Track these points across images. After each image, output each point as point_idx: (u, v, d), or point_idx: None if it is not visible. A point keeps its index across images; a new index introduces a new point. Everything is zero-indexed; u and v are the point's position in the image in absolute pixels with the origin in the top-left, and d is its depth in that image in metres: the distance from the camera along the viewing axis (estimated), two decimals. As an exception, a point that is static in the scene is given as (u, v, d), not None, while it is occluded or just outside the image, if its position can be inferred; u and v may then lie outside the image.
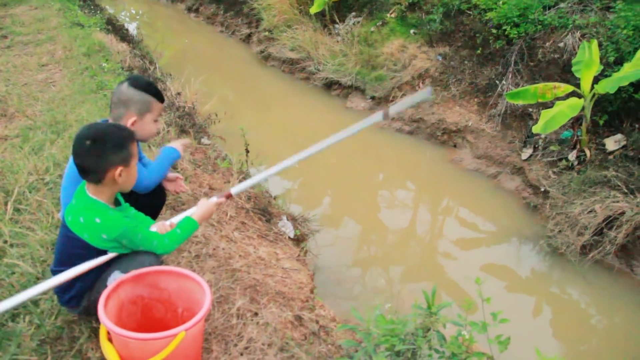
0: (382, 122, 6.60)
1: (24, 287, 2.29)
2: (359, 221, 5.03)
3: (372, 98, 7.07)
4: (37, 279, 2.35)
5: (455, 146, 5.97)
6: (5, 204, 2.95)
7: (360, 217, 5.08)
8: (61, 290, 1.98)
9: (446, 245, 4.70)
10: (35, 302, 2.23)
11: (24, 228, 2.73)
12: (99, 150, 1.81)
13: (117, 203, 2.00)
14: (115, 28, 9.12)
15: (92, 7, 13.23)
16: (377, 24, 7.72)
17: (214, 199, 2.23)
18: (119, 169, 1.84)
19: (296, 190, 5.46)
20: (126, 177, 1.90)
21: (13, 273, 2.40)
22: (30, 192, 3.08)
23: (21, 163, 3.43)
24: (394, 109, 2.35)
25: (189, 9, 14.75)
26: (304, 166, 6.10)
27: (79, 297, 1.98)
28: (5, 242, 2.63)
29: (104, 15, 10.34)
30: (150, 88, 2.28)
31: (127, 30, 10.47)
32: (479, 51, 6.23)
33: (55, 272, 1.91)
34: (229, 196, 2.31)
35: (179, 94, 5.53)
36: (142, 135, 2.30)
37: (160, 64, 8.02)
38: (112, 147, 1.83)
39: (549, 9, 5.88)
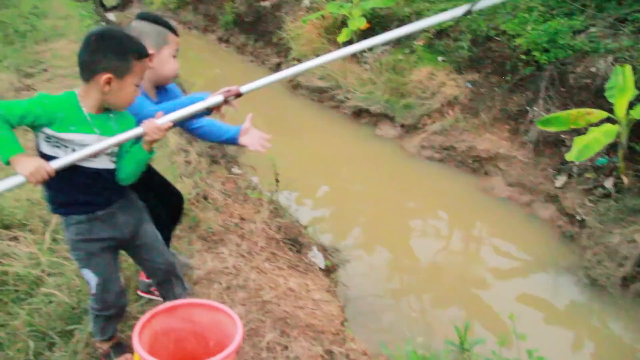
0: (413, 149, 6.59)
1: (60, 316, 2.33)
2: (390, 250, 4.98)
3: (402, 126, 7.06)
4: (73, 309, 2.39)
5: (486, 174, 5.89)
6: (44, 233, 3.02)
7: (391, 246, 5.03)
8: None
9: (479, 275, 4.61)
10: (69, 331, 2.26)
11: (61, 258, 2.78)
12: (97, 47, 1.74)
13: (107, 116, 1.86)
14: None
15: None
16: (405, 51, 7.76)
17: (219, 97, 1.97)
18: (108, 75, 1.73)
19: (326, 220, 5.45)
20: (115, 90, 1.77)
21: (50, 302, 2.44)
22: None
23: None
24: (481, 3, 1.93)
25: (220, 40, 15.09)
26: (334, 195, 6.11)
27: None
28: (43, 271, 2.68)
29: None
30: (163, 20, 2.15)
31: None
32: (508, 77, 6.18)
33: None
34: (239, 94, 2.03)
35: (210, 124, 5.62)
36: (162, 72, 2.16)
37: (193, 90, 8.20)
38: (112, 50, 1.74)
39: (580, 33, 5.83)
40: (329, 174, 6.66)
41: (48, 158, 1.75)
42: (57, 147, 1.77)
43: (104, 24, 16.29)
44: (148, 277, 2.38)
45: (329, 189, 6.28)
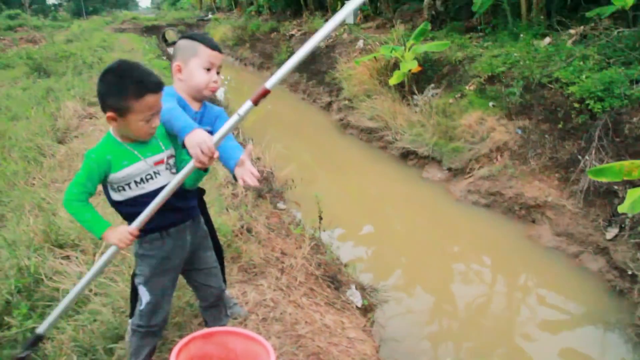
0: (459, 193, 6.56)
1: (104, 334, 2.44)
2: (430, 294, 4.93)
3: (449, 169, 7.05)
4: (116, 329, 2.49)
5: (533, 222, 5.78)
6: (94, 254, 3.18)
7: (432, 290, 4.98)
8: None
9: (522, 326, 4.48)
10: (110, 349, 2.36)
11: (107, 279, 2.92)
12: (101, 87, 1.81)
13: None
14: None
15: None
16: (456, 96, 7.80)
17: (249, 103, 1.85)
18: (110, 114, 1.80)
19: (367, 259, 5.46)
20: (123, 126, 1.84)
21: (95, 320, 2.56)
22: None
23: (110, 218, 3.69)
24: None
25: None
26: (377, 234, 6.12)
27: None
28: (90, 290, 2.82)
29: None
30: (198, 37, 2.15)
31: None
32: (560, 125, 6.11)
33: None
34: (266, 92, 1.88)
35: (258, 158, 5.79)
36: (191, 83, 2.13)
37: (245, 125, 8.47)
38: (111, 91, 1.79)
39: (637, 83, 5.73)
40: (373, 213, 6.69)
41: (120, 204, 1.96)
42: (123, 189, 1.94)
43: (164, 57, 17.12)
44: (198, 298, 2.44)
45: (372, 228, 6.30)
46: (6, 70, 12.78)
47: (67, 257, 3.15)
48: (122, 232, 1.87)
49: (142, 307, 2.09)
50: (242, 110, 1.84)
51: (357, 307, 3.56)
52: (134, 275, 2.15)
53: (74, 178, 1.88)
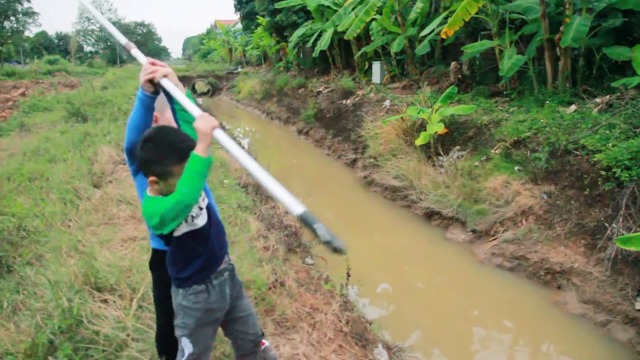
0: (483, 255, 6.56)
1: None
2: (453, 356, 4.89)
3: (473, 231, 7.08)
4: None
5: (559, 288, 5.74)
6: (131, 300, 3.27)
7: (453, 353, 4.94)
8: None
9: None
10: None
11: (145, 325, 3.00)
12: (143, 153, 1.90)
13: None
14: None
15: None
16: (481, 158, 7.91)
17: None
18: (152, 178, 1.89)
19: (390, 318, 5.45)
20: (163, 188, 1.92)
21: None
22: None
23: (147, 264, 3.80)
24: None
25: (300, 132, 15.90)
26: (398, 293, 6.12)
27: None
28: (128, 335, 2.89)
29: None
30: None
31: (244, 147, 11.44)
32: (586, 192, 6.15)
33: None
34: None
35: (287, 212, 5.91)
36: None
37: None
38: (153, 158, 1.89)
39: (664, 154, 5.79)
40: (396, 272, 6.71)
41: (183, 239, 2.05)
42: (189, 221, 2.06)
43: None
44: (235, 347, 2.48)
45: (394, 287, 6.30)
46: (45, 113, 13.29)
47: (105, 301, 3.24)
48: (208, 119, 1.87)
49: (184, 359, 2.15)
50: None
51: (383, 366, 3.57)
52: (174, 327, 2.19)
53: (165, 201, 1.92)
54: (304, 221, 1.76)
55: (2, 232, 4.47)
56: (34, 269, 3.80)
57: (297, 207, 1.75)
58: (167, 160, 1.89)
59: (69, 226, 5.03)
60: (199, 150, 1.84)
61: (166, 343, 2.45)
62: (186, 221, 2.02)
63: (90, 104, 12.69)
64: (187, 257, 2.08)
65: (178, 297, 2.14)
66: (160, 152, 1.89)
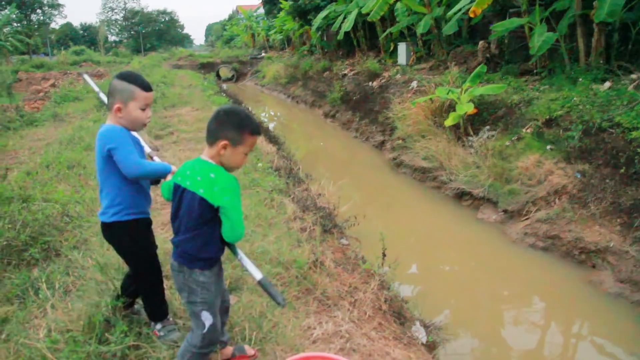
0: (515, 235, 6.54)
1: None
2: (487, 337, 4.91)
3: (505, 211, 7.05)
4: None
5: (594, 267, 5.71)
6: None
7: (486, 332, 4.95)
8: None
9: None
10: None
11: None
12: (223, 120, 2.18)
13: None
14: (264, 130, 10.13)
15: (242, 110, 14.83)
16: (512, 138, 7.84)
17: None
18: (226, 142, 2.15)
19: (424, 296, 5.49)
20: (229, 154, 2.18)
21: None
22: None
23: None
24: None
25: (326, 115, 15.91)
26: (429, 274, 6.16)
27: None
28: (175, 314, 3.00)
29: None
30: (133, 78, 2.46)
31: (273, 131, 11.54)
32: (622, 170, 6.07)
33: (174, 242, 2.29)
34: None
35: (319, 194, 5.98)
36: (129, 121, 2.46)
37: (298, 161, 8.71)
38: (232, 124, 2.16)
39: (702, 131, 5.68)
40: (427, 252, 6.73)
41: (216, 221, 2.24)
42: None
43: (223, 94, 17.76)
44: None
45: (427, 268, 6.34)
46: (76, 102, 13.55)
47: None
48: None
49: (205, 331, 2.28)
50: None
51: (422, 343, 3.62)
52: (191, 304, 2.30)
53: (239, 212, 2.19)
54: (263, 286, 2.14)
55: (49, 218, 4.62)
56: (81, 253, 3.94)
57: (257, 274, 2.16)
58: (245, 128, 2.17)
59: (109, 211, 5.16)
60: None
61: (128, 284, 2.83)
62: None
63: (120, 92, 12.86)
64: (219, 239, 2.26)
65: (196, 276, 2.24)
66: (241, 121, 2.18)
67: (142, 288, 2.76)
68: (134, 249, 2.64)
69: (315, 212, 5.02)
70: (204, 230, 2.21)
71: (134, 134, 2.63)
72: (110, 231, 2.60)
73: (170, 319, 2.85)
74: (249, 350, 2.68)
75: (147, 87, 2.50)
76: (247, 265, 2.19)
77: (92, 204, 5.29)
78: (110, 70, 21.64)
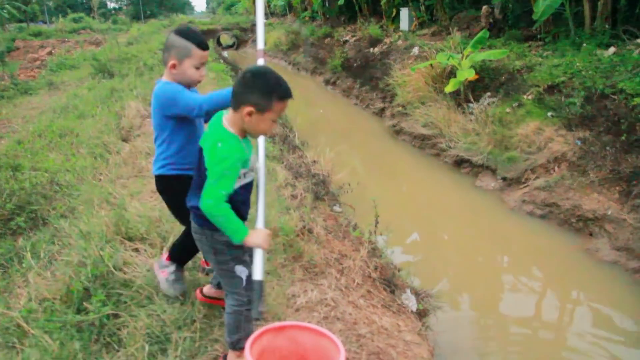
0: (513, 203, 6.47)
1: (175, 323, 2.55)
2: (480, 303, 4.89)
3: (504, 179, 6.96)
4: (184, 319, 2.60)
5: (591, 235, 5.64)
6: (162, 248, 3.32)
7: (483, 299, 4.94)
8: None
9: (575, 340, 4.38)
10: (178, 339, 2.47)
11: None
12: (249, 83, 1.99)
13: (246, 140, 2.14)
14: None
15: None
16: (513, 105, 7.69)
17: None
18: (251, 109, 1.97)
19: (417, 265, 5.45)
20: (255, 121, 2.01)
21: (165, 311, 2.67)
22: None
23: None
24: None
25: (327, 82, 15.70)
26: (427, 241, 6.11)
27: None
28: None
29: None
30: (191, 35, 2.40)
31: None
32: (623, 137, 5.94)
33: (189, 206, 2.22)
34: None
35: (314, 161, 5.88)
36: (183, 79, 2.42)
37: (297, 129, 8.59)
38: (259, 89, 1.97)
39: None
40: (425, 219, 6.68)
41: (234, 193, 2.09)
42: (240, 177, 2.13)
43: (221, 61, 17.52)
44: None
45: (423, 235, 6.29)
46: (72, 70, 13.39)
47: (137, 250, 3.30)
48: (264, 235, 2.10)
49: (244, 284, 2.23)
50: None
51: (412, 311, 3.58)
52: (221, 264, 2.26)
53: (216, 180, 2.00)
54: (256, 287, 2.07)
55: (36, 187, 4.57)
56: (68, 221, 3.88)
57: (259, 273, 2.08)
58: (272, 94, 1.98)
59: (100, 179, 5.10)
60: (246, 239, 2.06)
61: (181, 249, 2.74)
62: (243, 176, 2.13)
63: (116, 60, 12.70)
64: (235, 202, 2.12)
65: (218, 236, 2.17)
66: (268, 85, 1.98)
67: (183, 235, 2.75)
68: (174, 204, 2.65)
69: (308, 178, 4.94)
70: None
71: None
72: (158, 183, 2.65)
73: (185, 273, 2.87)
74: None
75: (203, 45, 2.44)
76: (257, 259, 2.09)
77: (83, 172, 5.24)
78: (107, 38, 21.32)
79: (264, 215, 2.16)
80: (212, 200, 2.01)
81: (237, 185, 2.09)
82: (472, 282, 5.25)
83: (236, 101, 2.03)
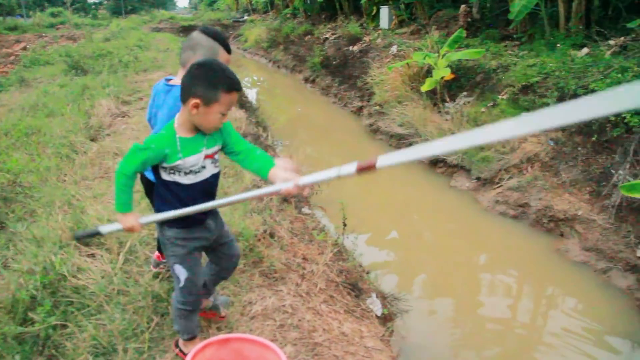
0: (487, 203, 6.47)
1: (121, 333, 2.47)
2: (452, 304, 4.87)
3: (478, 179, 6.96)
4: (133, 329, 2.53)
5: (562, 235, 5.65)
6: (118, 254, 3.23)
7: (454, 300, 4.92)
8: None
9: (546, 340, 4.39)
10: (125, 350, 2.40)
11: (131, 279, 2.97)
12: (194, 75, 1.93)
13: (201, 134, 2.09)
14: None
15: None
16: (488, 104, 7.69)
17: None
18: (197, 101, 1.93)
19: (391, 266, 5.42)
20: (202, 114, 1.96)
21: (113, 321, 2.60)
22: (140, 245, 3.36)
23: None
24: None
25: (306, 80, 15.61)
26: (402, 242, 6.08)
27: None
28: (113, 289, 2.87)
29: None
30: (219, 36, 2.37)
31: (246, 97, 11.27)
32: (594, 138, 5.96)
33: None
34: (373, 167, 1.77)
35: (286, 162, 5.79)
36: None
37: (274, 127, 8.50)
38: (204, 80, 1.92)
39: (676, 98, 5.55)
40: (400, 219, 6.65)
41: (165, 184, 2.11)
42: (173, 173, 2.08)
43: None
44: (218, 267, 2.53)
45: (398, 235, 6.26)
46: (46, 67, 13.12)
47: (92, 255, 3.21)
48: (133, 223, 2.09)
49: (182, 284, 2.24)
50: (343, 170, 1.81)
51: (376, 315, 3.54)
52: (167, 258, 2.30)
53: (130, 155, 2.01)
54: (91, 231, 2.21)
55: (-5, 188, 4.44)
56: (25, 225, 3.77)
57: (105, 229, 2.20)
58: (218, 85, 1.93)
59: (64, 181, 4.98)
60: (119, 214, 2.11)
61: None
62: (169, 172, 2.10)
63: (91, 56, 12.47)
64: (175, 200, 2.13)
65: (164, 230, 2.19)
66: (213, 76, 1.93)
67: None
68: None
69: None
70: (158, 189, 2.17)
71: None
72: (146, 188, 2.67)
73: None
74: (223, 311, 2.69)
75: (229, 49, 2.41)
76: (115, 225, 2.14)
77: (47, 173, 5.11)
78: (85, 33, 20.92)
79: (194, 211, 2.06)
80: (118, 169, 2.05)
81: (167, 178, 2.09)
82: (444, 283, 5.23)
83: (183, 94, 1.99)
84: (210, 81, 1.92)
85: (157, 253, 3.06)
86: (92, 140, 6.22)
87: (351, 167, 1.78)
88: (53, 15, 39.61)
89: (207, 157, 2.11)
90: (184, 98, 1.97)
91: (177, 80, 2.41)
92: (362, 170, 1.78)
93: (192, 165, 2.07)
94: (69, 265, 2.88)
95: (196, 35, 2.36)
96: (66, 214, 3.84)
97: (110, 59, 12.34)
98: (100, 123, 6.79)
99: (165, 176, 2.10)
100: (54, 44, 19.06)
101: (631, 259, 4.85)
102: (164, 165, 2.05)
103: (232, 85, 1.97)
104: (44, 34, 25.23)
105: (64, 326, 2.47)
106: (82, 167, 5.26)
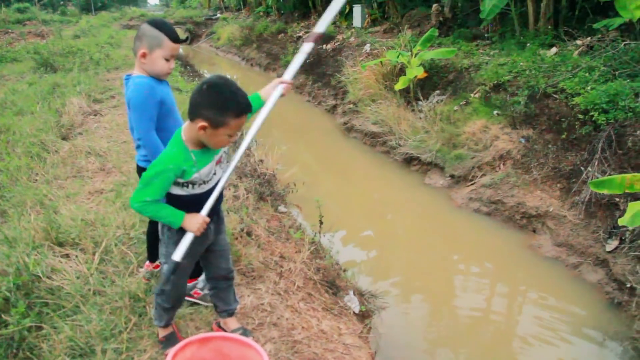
0: (460, 200, 6.56)
1: (98, 334, 2.44)
2: (428, 300, 4.94)
3: (452, 176, 7.05)
4: (111, 329, 2.50)
5: (534, 231, 5.78)
6: (94, 254, 3.19)
7: (430, 297, 4.98)
8: None
9: (519, 334, 4.48)
10: (104, 350, 2.37)
11: (107, 279, 2.93)
12: (204, 96, 1.92)
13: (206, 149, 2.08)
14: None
15: (191, 72, 14.28)
16: (461, 103, 7.80)
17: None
18: (205, 124, 1.91)
19: (367, 264, 5.47)
20: (209, 136, 1.96)
21: (90, 322, 2.56)
22: (116, 245, 3.32)
23: (112, 217, 3.71)
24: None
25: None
26: (377, 239, 6.13)
27: None
28: (90, 290, 2.82)
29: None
30: (164, 26, 2.44)
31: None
32: (564, 136, 6.10)
33: None
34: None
35: (261, 161, 5.79)
36: (153, 69, 2.46)
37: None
38: (213, 104, 1.90)
39: (642, 96, 5.72)
40: (375, 217, 6.70)
41: (179, 198, 2.10)
42: (186, 186, 2.08)
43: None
44: (208, 280, 2.55)
45: (373, 233, 6.31)
46: (13, 64, 12.82)
47: (67, 256, 3.16)
48: (201, 221, 2.07)
49: (164, 279, 2.22)
50: (306, 48, 2.42)
51: (354, 313, 3.56)
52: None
53: (143, 186, 2.00)
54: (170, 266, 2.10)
55: (-38, 189, 4.33)
56: (-5, 226, 3.69)
57: (178, 255, 2.07)
58: (227, 110, 1.91)
59: (36, 180, 4.89)
60: (183, 223, 2.07)
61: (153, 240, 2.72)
62: (182, 186, 2.11)
63: (61, 53, 12.22)
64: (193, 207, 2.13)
65: (166, 230, 2.21)
66: (223, 100, 1.91)
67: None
68: None
69: (252, 178, 4.85)
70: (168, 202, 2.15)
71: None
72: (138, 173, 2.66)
73: None
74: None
75: (175, 38, 2.47)
76: (184, 241, 2.07)
77: (17, 172, 5.00)
78: (54, 30, 20.47)
79: (211, 205, 2.11)
80: (137, 204, 2.02)
81: (181, 192, 2.10)
82: (420, 280, 5.29)
83: (191, 112, 1.96)
84: (219, 106, 1.90)
85: (147, 263, 3.01)
86: (64, 139, 6.11)
87: (308, 46, 2.42)
88: (19, 10, 38.58)
89: (217, 162, 2.14)
90: (192, 116, 1.96)
91: (134, 71, 2.51)
92: (316, 40, 2.42)
93: (206, 175, 2.09)
94: (43, 266, 2.83)
95: (143, 26, 2.44)
96: (39, 214, 3.77)
97: (81, 56, 12.12)
98: (72, 121, 6.67)
99: (177, 191, 2.10)
100: (21, 41, 18.62)
101: (600, 254, 4.98)
102: (179, 181, 2.04)
103: (242, 110, 1.96)
104: (10, 30, 24.60)
105: (40, 328, 2.43)
106: (54, 166, 5.16)
